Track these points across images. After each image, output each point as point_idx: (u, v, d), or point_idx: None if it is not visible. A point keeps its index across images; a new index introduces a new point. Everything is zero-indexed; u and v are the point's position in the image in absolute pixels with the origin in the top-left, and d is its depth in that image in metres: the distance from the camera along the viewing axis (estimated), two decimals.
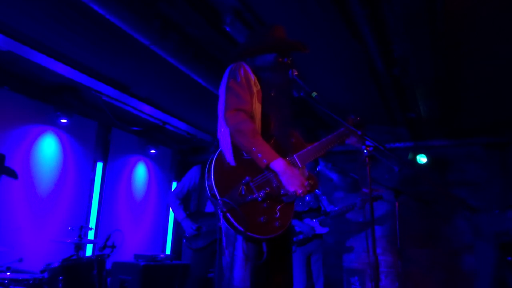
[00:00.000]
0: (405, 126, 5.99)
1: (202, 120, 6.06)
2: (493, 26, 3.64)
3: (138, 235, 6.34)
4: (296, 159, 2.11)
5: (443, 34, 3.63)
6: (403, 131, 6.15)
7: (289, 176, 1.98)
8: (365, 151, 2.16)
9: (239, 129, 1.96)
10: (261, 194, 1.93)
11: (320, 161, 5.22)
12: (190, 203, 6.21)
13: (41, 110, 5.00)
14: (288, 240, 2.21)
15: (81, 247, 4.20)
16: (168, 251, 6.84)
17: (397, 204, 4.79)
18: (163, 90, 5.02)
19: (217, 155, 1.99)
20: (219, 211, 1.89)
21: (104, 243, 4.13)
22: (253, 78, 2.16)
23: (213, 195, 1.90)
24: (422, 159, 6.21)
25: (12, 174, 3.60)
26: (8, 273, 3.53)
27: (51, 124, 5.11)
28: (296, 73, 2.20)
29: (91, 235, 5.32)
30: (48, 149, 5.10)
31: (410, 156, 6.24)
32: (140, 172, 6.54)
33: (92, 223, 5.54)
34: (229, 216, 1.86)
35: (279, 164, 1.97)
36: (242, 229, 1.85)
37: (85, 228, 4.16)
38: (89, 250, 5.43)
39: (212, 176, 1.92)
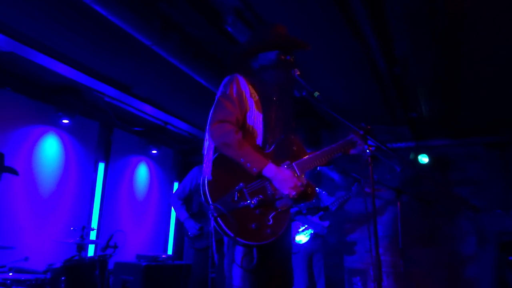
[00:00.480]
0: (406, 126, 5.99)
1: (203, 120, 6.04)
2: (493, 26, 3.64)
3: (140, 235, 6.35)
4: (295, 167, 2.10)
5: (444, 34, 3.63)
6: (405, 131, 6.14)
7: (280, 179, 1.98)
8: (367, 151, 2.16)
9: (224, 142, 1.97)
10: (254, 201, 1.94)
11: None
12: (192, 204, 6.22)
13: (43, 111, 5.02)
14: (284, 248, 2.18)
15: (83, 248, 4.21)
16: (170, 251, 6.85)
17: (399, 204, 4.79)
18: (164, 91, 5.03)
19: (213, 160, 1.99)
20: (210, 216, 1.90)
21: (106, 244, 4.14)
22: (248, 90, 2.15)
23: (206, 200, 1.92)
24: (424, 159, 6.21)
25: (12, 171, 3.59)
26: (10, 274, 3.54)
27: (53, 124, 5.12)
28: (298, 72, 2.19)
29: (93, 235, 5.33)
30: (50, 149, 5.11)
31: (411, 156, 6.23)
32: (142, 172, 6.55)
33: (94, 223, 5.55)
34: (220, 221, 1.87)
35: (269, 170, 1.97)
36: (232, 235, 1.86)
37: (87, 228, 4.17)
38: (91, 250, 5.44)
39: (206, 181, 1.93)
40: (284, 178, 1.99)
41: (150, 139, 6.41)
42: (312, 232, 4.81)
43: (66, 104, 5.02)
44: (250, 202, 1.93)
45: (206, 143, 2.09)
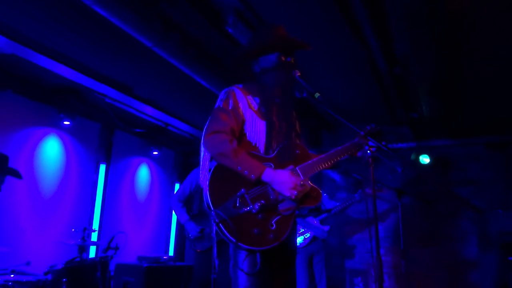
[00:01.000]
0: (407, 126, 5.99)
1: (204, 121, 6.04)
2: (493, 26, 3.65)
3: (141, 236, 6.35)
4: (299, 172, 2.09)
5: (444, 34, 3.64)
6: (406, 131, 6.15)
7: (279, 182, 1.98)
8: (368, 151, 2.15)
9: (220, 152, 1.98)
10: (256, 206, 1.94)
11: None
12: (192, 205, 6.22)
13: (44, 113, 5.02)
14: (288, 252, 2.17)
15: (85, 249, 4.21)
16: (171, 253, 6.85)
17: (400, 204, 4.79)
18: (165, 92, 5.03)
19: (214, 166, 2.00)
20: (212, 221, 1.91)
21: (107, 245, 4.14)
22: (245, 101, 2.15)
23: (207, 206, 1.93)
24: (425, 159, 6.21)
25: (16, 174, 3.61)
26: (12, 275, 3.54)
27: (54, 126, 5.13)
28: (298, 74, 2.19)
29: (94, 237, 5.33)
30: (51, 151, 5.12)
31: (413, 157, 6.24)
32: (143, 173, 6.55)
33: (95, 224, 5.56)
34: (222, 227, 1.88)
35: (266, 175, 1.98)
36: (234, 240, 1.87)
37: (89, 230, 4.17)
38: (92, 252, 5.44)
39: (207, 187, 1.94)
40: (282, 180, 1.99)
41: (151, 140, 6.42)
42: (309, 235, 4.80)
43: (67, 106, 5.03)
44: (252, 207, 1.93)
45: (202, 154, 2.11)
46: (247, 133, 2.12)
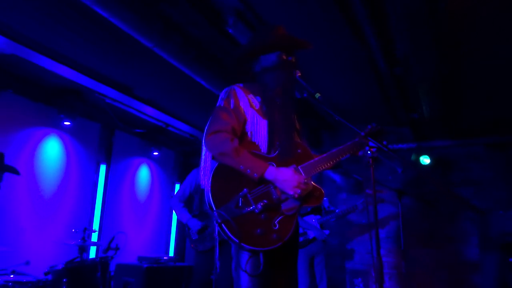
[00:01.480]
0: (408, 127, 5.99)
1: (204, 121, 6.03)
2: (493, 26, 3.64)
3: (142, 237, 6.35)
4: (301, 171, 2.07)
5: (444, 34, 3.64)
6: (406, 131, 6.14)
7: (282, 180, 1.97)
8: (368, 152, 2.15)
9: (221, 151, 1.96)
10: (259, 206, 1.92)
11: None
12: (193, 205, 6.22)
13: (45, 113, 5.03)
14: (292, 252, 2.17)
15: (85, 249, 4.21)
16: (171, 253, 6.84)
17: (400, 205, 4.79)
18: (165, 92, 5.04)
19: (216, 166, 1.99)
20: (214, 222, 1.90)
21: (107, 245, 4.14)
22: (246, 100, 2.14)
23: (209, 206, 1.92)
24: (425, 160, 6.21)
25: (13, 170, 3.59)
26: (12, 275, 3.54)
27: (55, 126, 5.13)
28: (299, 74, 2.19)
29: (94, 237, 5.33)
30: (51, 151, 5.12)
31: (413, 157, 6.23)
32: (143, 174, 6.55)
33: (96, 225, 5.56)
34: (224, 227, 1.87)
35: (269, 173, 1.96)
36: (236, 241, 1.85)
37: (89, 230, 4.17)
38: (92, 252, 5.44)
39: (209, 187, 1.93)
40: (286, 178, 1.97)
41: (151, 140, 6.42)
42: (307, 235, 4.79)
43: (68, 106, 5.04)
44: (255, 207, 1.92)
45: (203, 154, 2.10)
46: (249, 132, 2.11)
